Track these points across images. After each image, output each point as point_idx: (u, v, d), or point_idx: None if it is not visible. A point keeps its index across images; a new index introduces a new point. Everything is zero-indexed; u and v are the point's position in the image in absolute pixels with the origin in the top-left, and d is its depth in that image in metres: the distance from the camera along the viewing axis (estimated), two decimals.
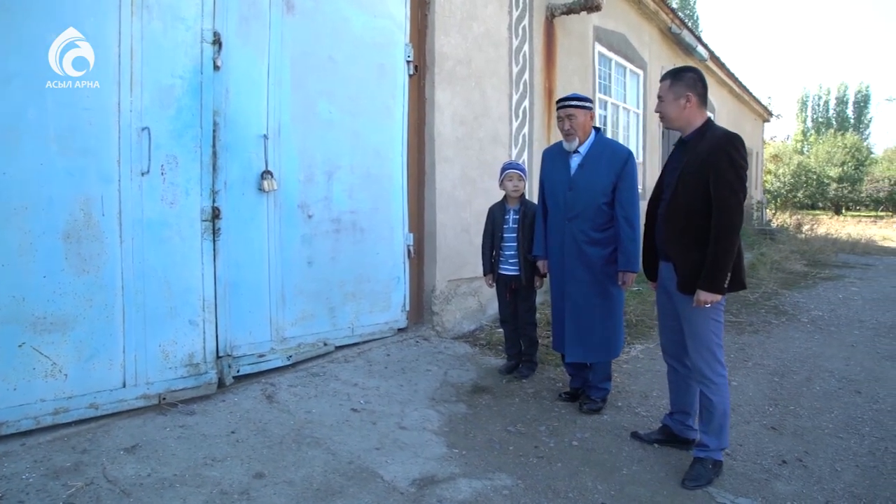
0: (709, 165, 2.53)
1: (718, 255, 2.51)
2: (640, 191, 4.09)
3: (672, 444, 3.03)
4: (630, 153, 3.40)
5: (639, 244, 3.34)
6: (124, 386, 2.93)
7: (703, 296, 2.54)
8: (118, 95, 2.84)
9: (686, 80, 2.68)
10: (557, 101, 3.46)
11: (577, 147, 3.38)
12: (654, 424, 3.30)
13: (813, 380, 4.14)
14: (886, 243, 15.59)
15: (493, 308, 5.52)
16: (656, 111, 2.82)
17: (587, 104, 3.40)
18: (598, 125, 3.53)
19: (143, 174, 2.93)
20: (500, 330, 5.05)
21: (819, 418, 3.47)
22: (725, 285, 2.54)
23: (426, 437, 3.02)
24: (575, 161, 3.40)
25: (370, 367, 3.94)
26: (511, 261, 3.97)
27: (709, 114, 2.76)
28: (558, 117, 3.40)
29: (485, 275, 4.15)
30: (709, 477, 2.68)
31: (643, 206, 3.12)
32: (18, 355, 2.61)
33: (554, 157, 3.55)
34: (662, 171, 2.89)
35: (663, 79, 2.77)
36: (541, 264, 3.73)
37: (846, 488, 2.67)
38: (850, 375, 4.23)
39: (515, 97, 5.83)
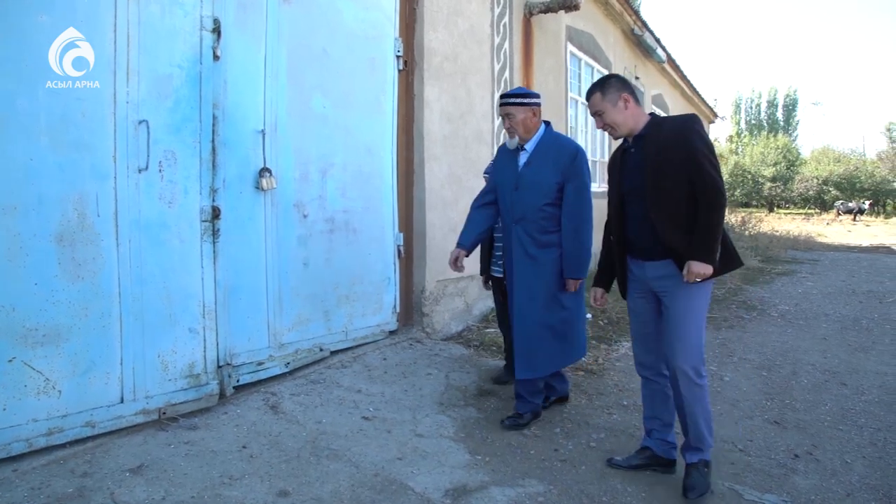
0: (681, 147, 2.42)
1: (710, 224, 2.38)
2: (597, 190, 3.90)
3: (654, 467, 2.75)
4: (578, 149, 3.10)
5: (587, 250, 3.08)
6: (122, 401, 2.69)
7: (696, 266, 2.38)
8: (114, 85, 2.60)
9: (614, 85, 2.58)
10: (500, 98, 3.22)
11: (525, 144, 3.13)
12: None
13: (798, 373, 4.27)
14: (822, 239, 16.49)
15: (479, 308, 5.48)
16: (600, 128, 2.65)
17: (528, 100, 3.11)
18: (547, 119, 3.24)
19: (140, 171, 2.70)
20: (489, 330, 5.01)
21: (815, 411, 3.57)
22: (717, 256, 2.40)
23: (445, 444, 2.92)
24: (522, 159, 3.14)
25: (369, 372, 3.80)
26: (500, 262, 3.80)
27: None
28: (500, 114, 3.18)
29: (481, 274, 4.02)
30: (706, 482, 2.54)
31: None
32: (8, 371, 2.35)
33: (505, 153, 3.26)
34: (619, 180, 2.68)
35: (590, 94, 2.63)
36: (455, 254, 3.25)
37: (861, 480, 2.74)
38: (831, 368, 4.39)
39: (497, 95, 5.78)
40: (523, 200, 3.09)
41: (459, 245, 3.28)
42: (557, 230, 3.08)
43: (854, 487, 2.68)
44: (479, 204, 3.37)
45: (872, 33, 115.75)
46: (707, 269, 2.39)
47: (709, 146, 2.44)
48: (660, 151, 2.48)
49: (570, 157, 3.05)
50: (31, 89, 2.40)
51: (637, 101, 2.59)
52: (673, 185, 2.46)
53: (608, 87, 2.58)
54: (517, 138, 3.13)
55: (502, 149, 3.33)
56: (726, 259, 2.51)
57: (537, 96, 3.17)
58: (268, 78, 3.36)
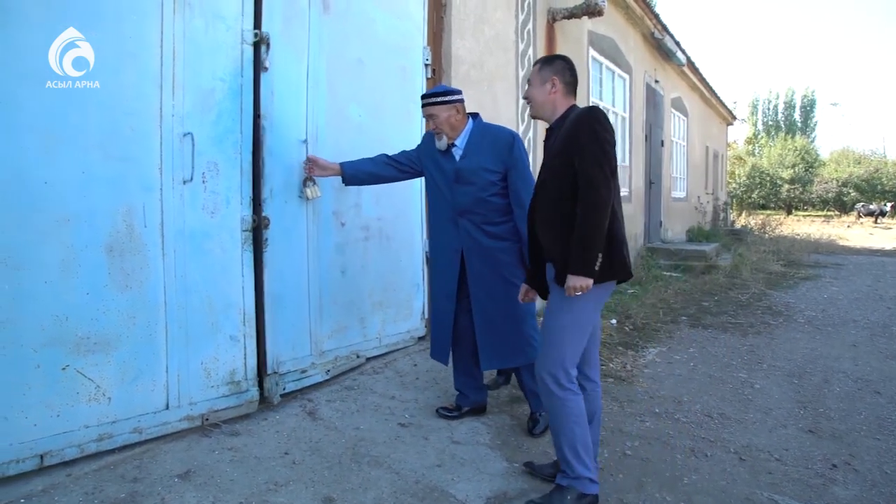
0: (572, 143, 2.31)
1: (587, 233, 2.23)
2: None
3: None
4: (514, 134, 3.04)
5: None
6: (167, 408, 2.75)
7: (573, 280, 2.23)
8: (160, 99, 2.67)
9: (554, 66, 2.52)
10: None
11: (454, 140, 3.04)
12: (695, 431, 3.32)
13: (830, 381, 4.24)
14: (844, 243, 16.25)
15: None
16: (524, 97, 2.64)
17: (449, 98, 3.00)
18: (474, 111, 3.16)
19: (185, 182, 2.76)
20: None
21: (850, 420, 3.54)
22: (596, 267, 2.24)
23: (482, 451, 2.95)
24: (457, 154, 3.05)
25: (401, 378, 3.84)
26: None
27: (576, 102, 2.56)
28: (424, 116, 3.09)
29: None
30: None
31: None
32: (62, 379, 2.42)
33: (437, 150, 3.10)
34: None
35: (534, 65, 2.60)
36: (324, 163, 3.29)
37: None
38: (863, 376, 4.35)
39: (521, 101, 5.81)
40: (466, 193, 3.00)
41: (342, 163, 3.26)
42: (505, 221, 3.01)
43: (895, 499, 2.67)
44: (387, 158, 3.28)
45: (892, 32, 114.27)
46: (585, 282, 2.24)
47: (602, 146, 2.27)
48: (555, 146, 2.43)
49: (508, 144, 2.98)
50: (82, 104, 2.46)
51: (569, 91, 2.53)
52: (559, 182, 2.37)
53: (546, 66, 2.54)
54: (445, 139, 3.03)
55: (430, 141, 3.13)
56: (606, 267, 2.30)
57: (459, 92, 3.08)
58: (310, 88, 3.41)
